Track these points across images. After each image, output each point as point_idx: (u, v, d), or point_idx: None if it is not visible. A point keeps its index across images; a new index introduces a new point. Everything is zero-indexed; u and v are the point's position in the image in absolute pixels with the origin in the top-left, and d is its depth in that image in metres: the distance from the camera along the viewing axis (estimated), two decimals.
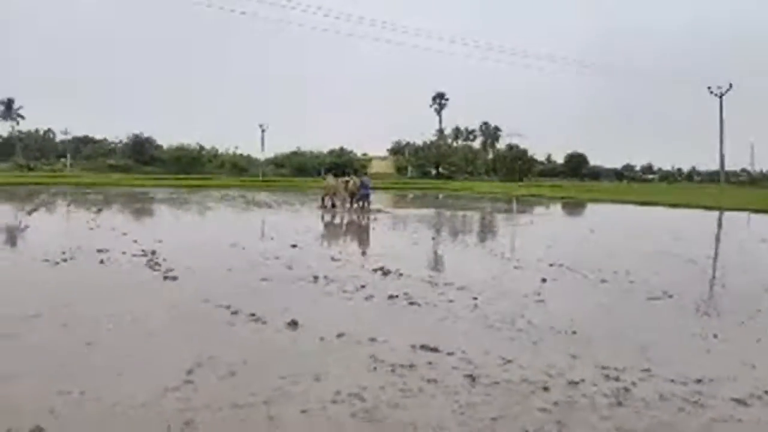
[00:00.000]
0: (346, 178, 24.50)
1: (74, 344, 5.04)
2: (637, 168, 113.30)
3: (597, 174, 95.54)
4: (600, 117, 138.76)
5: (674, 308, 7.19)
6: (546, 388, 4.26)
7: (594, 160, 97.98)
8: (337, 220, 19.58)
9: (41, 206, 21.87)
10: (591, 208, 31.52)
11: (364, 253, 11.99)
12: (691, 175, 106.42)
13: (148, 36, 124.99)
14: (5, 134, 72.51)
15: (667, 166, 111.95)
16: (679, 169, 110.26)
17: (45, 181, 39.26)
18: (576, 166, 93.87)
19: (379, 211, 22.74)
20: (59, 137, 75.95)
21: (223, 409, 3.78)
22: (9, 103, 70.72)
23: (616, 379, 4.52)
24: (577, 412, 3.86)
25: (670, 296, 7.76)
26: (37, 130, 75.78)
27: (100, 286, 7.73)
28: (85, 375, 4.33)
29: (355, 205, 22.72)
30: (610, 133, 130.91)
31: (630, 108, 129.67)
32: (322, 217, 20.26)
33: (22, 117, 72.05)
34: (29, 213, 18.67)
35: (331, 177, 25.24)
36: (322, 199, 23.45)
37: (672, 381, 4.46)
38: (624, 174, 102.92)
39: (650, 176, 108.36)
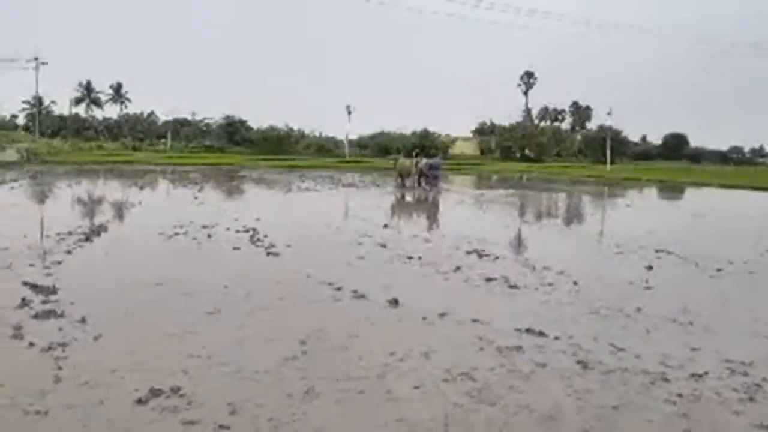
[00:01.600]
0: (415, 159, 24.63)
1: (196, 313, 5.40)
2: (746, 150, 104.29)
3: (698, 156, 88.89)
4: (704, 94, 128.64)
5: None
6: (666, 380, 4.06)
7: (696, 141, 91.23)
8: (422, 201, 19.59)
9: (150, 183, 23.54)
10: (692, 192, 29.48)
11: (455, 235, 11.91)
12: None
13: (240, 21, 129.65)
14: (114, 116, 78.40)
15: None
16: None
17: (150, 160, 42.16)
18: (675, 147, 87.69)
19: (449, 191, 22.52)
20: (161, 119, 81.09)
21: (340, 380, 3.92)
22: (118, 88, 76.33)
23: (744, 374, 4.23)
24: (705, 405, 3.65)
25: None
26: (142, 113, 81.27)
27: (211, 259, 8.23)
28: (210, 342, 4.63)
29: (426, 186, 22.79)
30: (716, 112, 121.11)
31: (739, 84, 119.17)
32: (404, 197, 20.36)
33: (129, 100, 77.68)
34: (140, 189, 20.17)
35: (402, 158, 25.98)
36: (400, 179, 23.87)
37: None
38: (730, 156, 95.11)
39: (761, 159, 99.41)
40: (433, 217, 15.54)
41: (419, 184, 23.26)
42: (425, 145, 51.54)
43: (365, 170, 41.89)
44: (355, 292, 6.30)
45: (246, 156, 53.53)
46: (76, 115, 74.48)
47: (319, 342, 4.68)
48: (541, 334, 5.04)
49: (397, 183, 23.85)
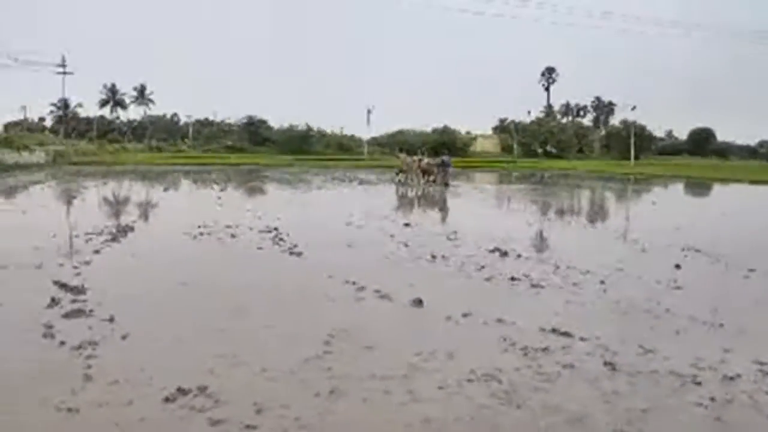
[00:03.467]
0: (418, 157, 26.44)
1: (222, 311, 5.46)
2: None
3: (726, 151, 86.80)
4: (732, 87, 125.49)
5: None
6: (698, 382, 3.98)
7: (723, 136, 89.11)
8: (435, 198, 19.50)
9: (173, 184, 23.87)
10: (719, 189, 28.84)
11: (477, 233, 11.83)
12: None
13: (261, 22, 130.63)
14: (138, 118, 79.66)
15: None
16: None
17: (173, 161, 42.73)
18: (701, 142, 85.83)
19: (474, 189, 22.38)
20: (183, 120, 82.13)
21: (365, 380, 3.92)
22: (142, 89, 77.50)
23: None
24: (738, 409, 3.57)
25: None
26: (165, 114, 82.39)
27: (235, 259, 8.31)
28: (235, 341, 4.67)
29: (430, 179, 24.06)
30: (744, 105, 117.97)
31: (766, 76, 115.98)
32: (418, 195, 20.36)
33: (153, 102, 78.82)
34: (165, 190, 20.47)
35: (404, 155, 27.95)
36: (397, 175, 25.26)
37: None
38: (759, 151, 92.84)
39: None
40: (450, 215, 15.46)
41: (426, 180, 24.31)
42: (445, 141, 51.45)
43: (384, 169, 41.85)
44: (378, 291, 6.30)
45: (267, 155, 53.93)
46: (102, 117, 75.86)
47: (344, 342, 4.68)
48: (567, 334, 4.97)
49: (397, 179, 25.04)
